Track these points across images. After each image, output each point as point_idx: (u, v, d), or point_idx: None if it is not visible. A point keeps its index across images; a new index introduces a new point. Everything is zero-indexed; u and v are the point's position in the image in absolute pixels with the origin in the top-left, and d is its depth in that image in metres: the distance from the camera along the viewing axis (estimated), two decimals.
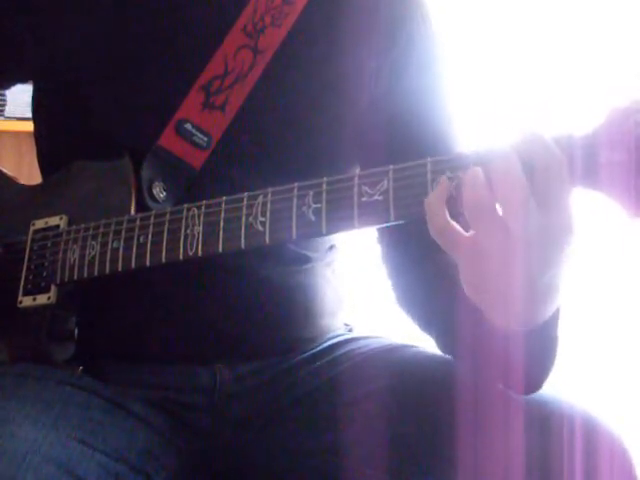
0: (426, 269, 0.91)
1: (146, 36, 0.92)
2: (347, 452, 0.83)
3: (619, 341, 2.08)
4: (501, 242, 0.65)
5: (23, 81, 1.13)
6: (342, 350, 0.97)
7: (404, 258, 0.97)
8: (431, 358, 0.90)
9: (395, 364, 0.90)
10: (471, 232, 0.67)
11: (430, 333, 0.91)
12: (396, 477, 0.78)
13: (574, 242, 0.65)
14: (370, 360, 0.93)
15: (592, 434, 0.73)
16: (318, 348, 0.98)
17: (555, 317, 0.72)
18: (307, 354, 0.97)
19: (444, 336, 0.88)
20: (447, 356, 0.88)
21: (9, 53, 1.00)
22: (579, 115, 0.67)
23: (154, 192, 0.89)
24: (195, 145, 0.90)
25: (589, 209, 0.67)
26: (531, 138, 0.65)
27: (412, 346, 0.94)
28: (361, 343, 0.98)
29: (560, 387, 0.79)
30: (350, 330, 1.05)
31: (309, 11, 0.94)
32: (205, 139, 0.90)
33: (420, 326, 0.94)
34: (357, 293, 1.14)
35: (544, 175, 0.64)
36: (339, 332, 1.02)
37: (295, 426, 0.91)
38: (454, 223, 0.67)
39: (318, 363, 0.95)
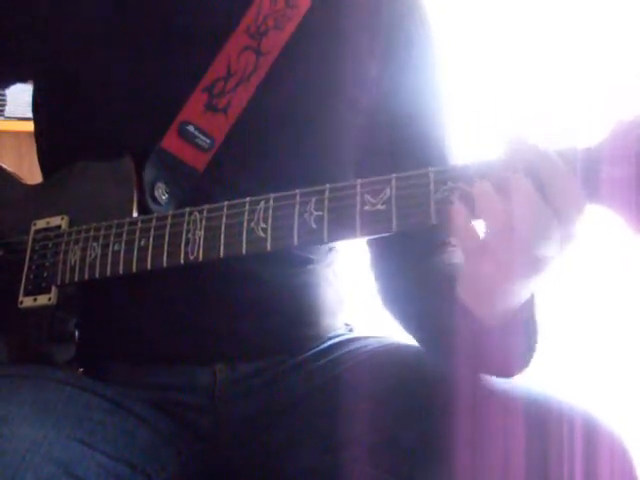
0: (412, 275, 0.92)
1: (148, 37, 0.92)
2: (348, 452, 0.83)
3: (619, 342, 2.08)
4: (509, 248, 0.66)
5: (23, 80, 1.13)
6: (343, 350, 0.97)
7: (391, 264, 0.97)
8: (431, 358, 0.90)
9: (395, 364, 0.90)
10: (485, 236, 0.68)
11: (414, 334, 0.92)
12: (397, 477, 0.78)
13: (574, 249, 0.67)
14: (371, 360, 0.93)
15: (592, 434, 0.73)
16: (319, 348, 0.98)
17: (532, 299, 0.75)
18: (308, 354, 0.97)
19: (429, 336, 0.90)
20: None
21: (8, 53, 1.00)
22: (580, 119, 0.67)
23: (156, 194, 0.89)
24: (198, 147, 0.90)
25: (593, 223, 0.67)
26: (527, 149, 0.66)
27: (412, 346, 0.94)
28: (362, 343, 0.98)
29: (560, 387, 0.79)
30: (351, 330, 1.05)
31: (311, 15, 0.94)
32: (208, 141, 0.90)
33: (404, 327, 0.95)
34: (358, 293, 1.14)
35: (552, 187, 0.65)
36: (340, 332, 1.02)
37: (295, 426, 0.91)
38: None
39: (319, 363, 0.95)
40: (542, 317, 0.78)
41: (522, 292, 0.72)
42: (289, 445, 0.90)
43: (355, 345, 0.97)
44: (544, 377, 0.84)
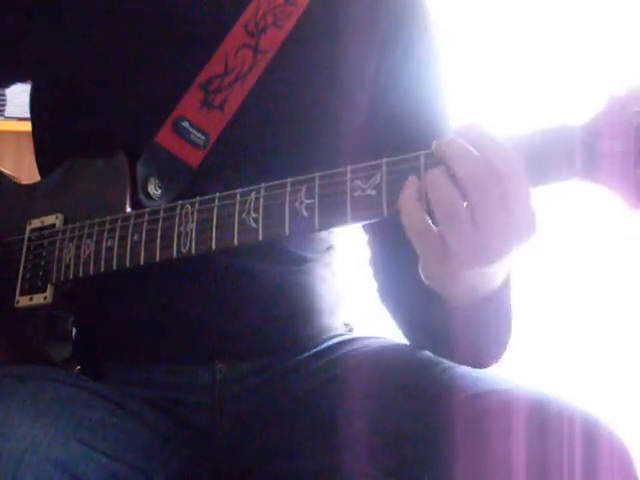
0: (408, 274, 0.92)
1: (146, 33, 0.93)
2: (347, 452, 0.83)
3: (619, 341, 2.08)
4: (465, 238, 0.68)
5: (23, 80, 1.13)
6: (342, 350, 0.97)
7: (391, 264, 0.96)
8: (431, 358, 0.90)
9: (395, 364, 0.90)
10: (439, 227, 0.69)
11: (405, 329, 0.95)
12: (397, 477, 0.78)
13: (533, 239, 0.68)
14: (370, 360, 0.93)
15: (592, 435, 0.73)
16: (318, 348, 0.98)
17: (507, 288, 0.77)
18: (307, 354, 0.97)
19: (419, 331, 0.92)
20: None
21: (7, 52, 1.00)
22: (578, 105, 0.68)
23: (149, 189, 0.89)
24: (192, 143, 0.90)
25: (589, 202, 0.68)
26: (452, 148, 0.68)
27: (412, 346, 0.94)
28: (361, 343, 0.98)
29: (560, 387, 0.79)
30: (350, 330, 1.05)
31: (310, 12, 0.94)
32: (202, 138, 0.90)
33: (397, 323, 0.96)
34: (357, 293, 1.14)
35: (472, 189, 0.66)
36: (339, 332, 1.02)
37: (295, 426, 0.91)
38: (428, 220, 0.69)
39: (319, 363, 0.95)
40: (517, 309, 0.81)
41: (484, 277, 0.73)
42: (289, 445, 0.90)
43: (354, 345, 0.97)
44: (544, 377, 0.84)
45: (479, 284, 0.74)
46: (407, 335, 0.95)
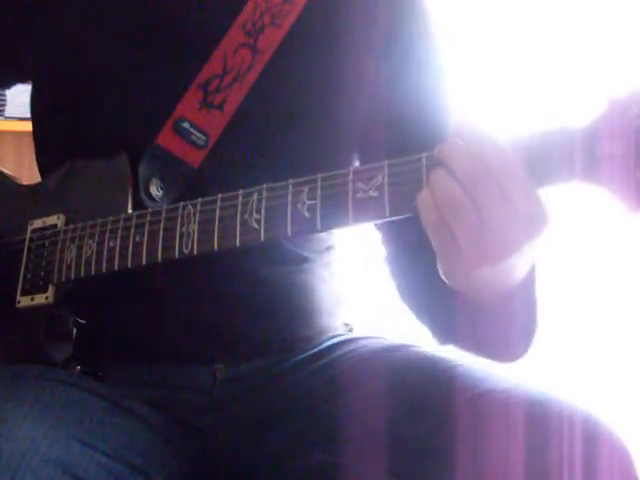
0: (424, 272, 0.92)
1: (144, 34, 0.93)
2: (347, 452, 0.83)
3: (619, 341, 2.08)
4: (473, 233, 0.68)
5: (23, 81, 1.13)
6: (342, 350, 0.97)
7: (407, 262, 0.96)
8: (431, 358, 0.90)
9: (395, 364, 0.90)
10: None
11: (428, 326, 0.94)
12: (397, 477, 0.78)
13: (547, 231, 0.68)
14: (370, 360, 0.93)
15: (592, 434, 0.73)
16: (318, 348, 0.98)
17: (531, 280, 0.77)
18: (307, 354, 0.97)
19: (439, 326, 0.92)
20: (446, 354, 0.89)
21: (6, 53, 1.00)
22: (578, 108, 0.68)
23: (151, 190, 0.89)
24: (193, 144, 0.90)
25: (588, 204, 0.68)
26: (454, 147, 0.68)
27: (412, 346, 0.94)
28: (361, 343, 0.98)
29: (560, 387, 0.79)
30: (350, 330, 1.05)
31: (309, 11, 0.94)
32: (203, 138, 0.90)
33: (420, 320, 0.96)
34: (357, 293, 1.14)
35: (469, 184, 0.67)
36: (339, 332, 1.02)
37: (294, 426, 0.91)
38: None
39: (318, 363, 0.95)
40: (543, 302, 0.80)
41: (500, 273, 0.73)
42: (289, 445, 0.90)
43: (354, 345, 0.97)
44: (544, 377, 0.84)
45: (497, 280, 0.74)
46: (430, 329, 0.95)
